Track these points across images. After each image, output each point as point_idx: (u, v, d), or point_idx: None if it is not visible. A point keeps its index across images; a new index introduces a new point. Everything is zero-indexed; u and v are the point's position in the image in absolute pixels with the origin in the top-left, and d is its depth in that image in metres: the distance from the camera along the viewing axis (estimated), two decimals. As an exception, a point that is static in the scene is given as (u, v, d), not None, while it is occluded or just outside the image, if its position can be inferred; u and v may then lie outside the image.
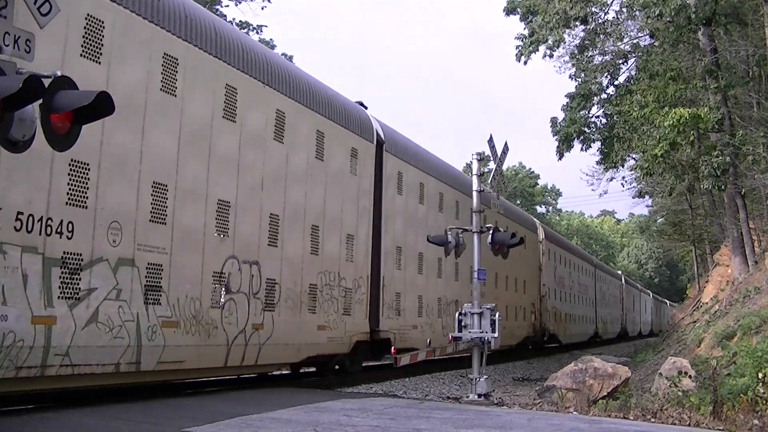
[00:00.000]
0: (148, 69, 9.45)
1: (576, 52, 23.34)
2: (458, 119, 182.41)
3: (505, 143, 14.60)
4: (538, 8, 22.09)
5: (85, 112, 5.83)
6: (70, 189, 8.22)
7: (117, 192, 8.88)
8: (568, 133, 22.51)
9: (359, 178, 15.42)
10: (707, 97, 19.83)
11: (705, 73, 19.14)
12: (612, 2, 22.69)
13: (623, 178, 31.67)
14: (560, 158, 23.01)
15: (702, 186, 20.86)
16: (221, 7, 33.18)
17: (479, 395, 12.20)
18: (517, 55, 22.91)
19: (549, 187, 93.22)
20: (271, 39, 48.15)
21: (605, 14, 22.75)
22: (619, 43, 23.15)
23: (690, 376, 12.19)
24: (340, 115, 14.72)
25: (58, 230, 8.05)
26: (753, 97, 20.08)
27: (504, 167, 15.49)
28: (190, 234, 10.14)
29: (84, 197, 8.40)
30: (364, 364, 16.81)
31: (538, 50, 22.49)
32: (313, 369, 15.64)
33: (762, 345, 11.99)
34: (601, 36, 22.89)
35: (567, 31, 22.37)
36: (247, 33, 31.72)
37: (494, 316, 12.60)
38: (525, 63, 22.97)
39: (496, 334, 12.55)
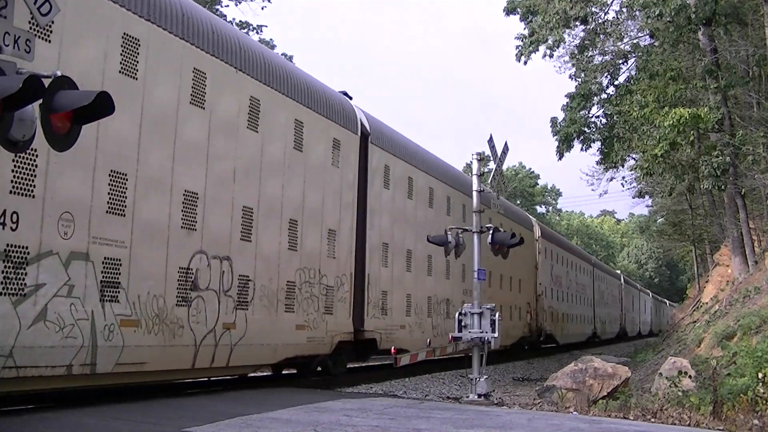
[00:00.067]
0: (105, 50, 8.79)
1: (576, 52, 23.35)
2: (458, 119, 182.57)
3: (505, 143, 14.61)
4: (538, 8, 22.10)
5: (84, 112, 5.83)
6: (14, 176, 7.66)
7: (69, 181, 8.24)
8: (568, 133, 22.52)
9: (342, 170, 14.72)
10: (707, 97, 19.84)
11: (705, 73, 19.15)
12: (612, 2, 22.74)
13: (623, 178, 31.66)
14: (560, 158, 23.05)
15: (702, 186, 20.87)
16: (221, 7, 33.19)
17: (479, 395, 12.20)
18: (517, 55, 22.94)
19: (549, 187, 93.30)
20: (271, 39, 48.18)
21: (605, 14, 22.80)
22: (619, 43, 23.17)
23: (690, 376, 12.19)
24: (320, 104, 14.06)
25: (0, 221, 7.46)
26: (753, 97, 20.09)
27: (504, 167, 15.48)
28: (152, 227, 9.53)
29: (31, 185, 7.81)
30: (349, 366, 16.30)
31: (538, 50, 22.53)
32: (294, 371, 14.97)
33: (762, 345, 11.99)
34: (601, 36, 22.91)
35: (567, 31, 22.40)
36: (247, 33, 31.72)
37: (494, 316, 12.60)
38: (525, 63, 23.02)
39: (496, 334, 12.55)
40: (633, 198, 42.55)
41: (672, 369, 12.57)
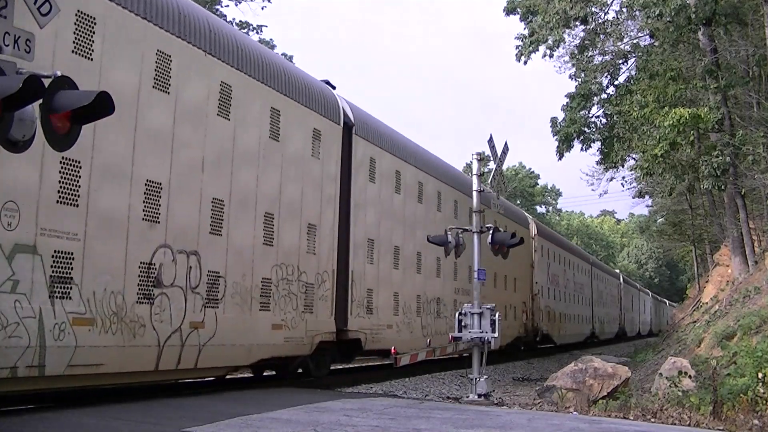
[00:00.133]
0: (56, 28, 7.97)
1: (576, 52, 23.36)
2: (458, 119, 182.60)
3: (505, 143, 14.61)
4: (538, 8, 22.11)
5: (84, 112, 5.84)
6: (-52, 163, 7.04)
7: (13, 168, 7.64)
8: (568, 133, 22.53)
9: (323, 162, 14.00)
10: (707, 97, 19.85)
11: (705, 73, 19.16)
12: (612, 2, 22.75)
13: (623, 178, 31.69)
14: (560, 158, 23.06)
15: (702, 186, 20.88)
16: (221, 7, 33.20)
17: (479, 395, 12.20)
18: (517, 55, 22.95)
19: (549, 187, 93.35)
20: (271, 39, 48.18)
21: (605, 14, 22.81)
22: (619, 43, 23.18)
23: (690, 376, 12.19)
24: (299, 91, 13.35)
25: None
26: (753, 97, 20.10)
27: (504, 167, 15.47)
28: (110, 218, 8.89)
29: (-32, 173, 7.19)
30: (332, 367, 15.73)
31: (538, 50, 22.54)
32: (273, 372, 14.39)
33: (762, 345, 11.99)
34: (601, 36, 22.92)
35: (567, 31, 22.42)
36: (247, 33, 31.73)
37: (494, 316, 12.60)
38: (525, 63, 23.04)
39: (496, 334, 12.55)
40: (633, 198, 42.63)
41: (672, 369, 12.57)
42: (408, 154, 18.56)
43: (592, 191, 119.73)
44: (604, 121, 23.72)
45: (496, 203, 15.37)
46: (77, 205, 8.44)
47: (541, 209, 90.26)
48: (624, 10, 22.71)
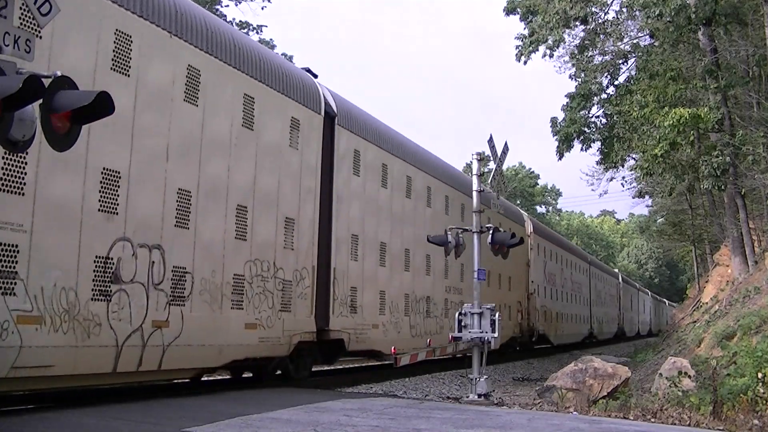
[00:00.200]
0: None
1: (576, 52, 23.37)
2: (458, 119, 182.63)
3: (505, 143, 14.61)
4: (538, 8, 22.12)
5: (84, 112, 5.84)
6: None
7: None
8: (568, 133, 22.54)
9: (302, 153, 13.32)
10: (707, 97, 19.86)
11: (705, 73, 19.16)
12: (612, 2, 22.75)
13: (623, 178, 31.72)
14: (560, 158, 23.06)
15: (702, 186, 20.88)
16: (221, 7, 33.20)
17: (479, 395, 12.20)
18: (517, 55, 22.96)
19: (549, 187, 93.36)
20: (271, 39, 48.18)
21: (605, 14, 22.82)
22: (619, 43, 23.19)
23: (690, 376, 12.19)
24: (275, 78, 12.67)
25: None
26: (753, 97, 20.10)
27: (504, 167, 15.47)
28: (61, 208, 8.24)
29: None
30: (314, 369, 15.15)
31: (538, 50, 22.55)
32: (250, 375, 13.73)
33: (762, 345, 11.99)
34: (601, 36, 22.92)
35: (567, 31, 22.43)
36: (246, 33, 31.73)
37: (494, 316, 12.61)
38: (525, 63, 23.05)
39: (496, 334, 12.56)
40: (633, 198, 42.63)
41: (672, 369, 12.58)
42: (395, 147, 17.86)
43: (592, 191, 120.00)
44: (604, 121, 23.74)
45: (496, 203, 15.37)
46: (23, 194, 7.84)
47: (541, 209, 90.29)
48: (624, 10, 22.74)
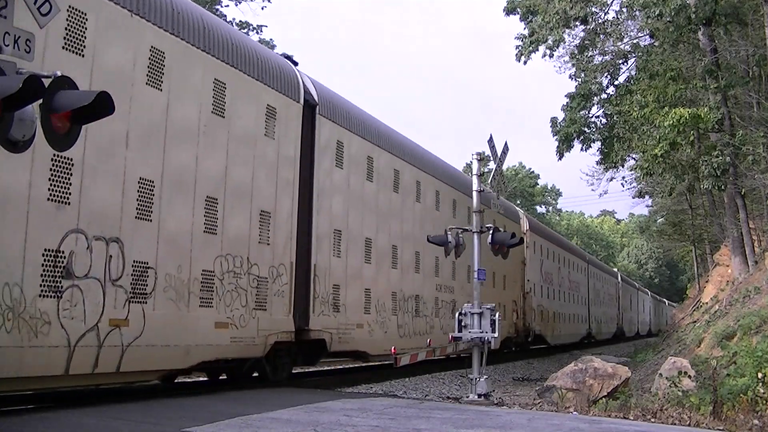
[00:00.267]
0: None
1: (576, 52, 23.38)
2: (458, 119, 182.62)
3: (505, 143, 14.61)
4: (538, 8, 22.12)
5: (84, 112, 5.84)
6: None
7: None
8: (568, 133, 22.54)
9: (279, 143, 12.61)
10: (707, 97, 19.86)
11: (705, 73, 19.17)
12: (612, 2, 22.76)
13: (623, 178, 31.62)
14: (560, 158, 23.07)
15: (702, 186, 20.89)
16: (221, 7, 33.20)
17: (479, 395, 12.21)
18: (517, 55, 22.96)
19: (549, 187, 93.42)
20: (271, 39, 48.16)
21: (605, 14, 22.82)
22: (619, 43, 23.19)
23: (690, 376, 12.20)
24: (249, 63, 12.00)
25: None
26: (753, 97, 20.11)
27: (504, 167, 15.46)
28: (3, 198, 7.67)
29: None
30: (295, 371, 14.61)
31: (538, 50, 22.55)
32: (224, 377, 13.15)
33: (762, 345, 12.00)
34: (601, 36, 22.93)
35: (567, 31, 22.44)
36: (247, 33, 31.73)
37: (494, 315, 12.62)
38: (525, 63, 23.05)
39: (496, 334, 12.57)
40: (633, 198, 42.62)
41: (672, 369, 12.58)
42: (382, 139, 17.12)
43: (592, 191, 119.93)
44: (604, 121, 23.75)
45: (496, 203, 15.37)
46: None
47: (541, 209, 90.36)
48: (624, 10, 22.75)
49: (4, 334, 7.50)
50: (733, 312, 17.19)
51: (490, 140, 14.12)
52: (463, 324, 12.73)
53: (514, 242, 14.09)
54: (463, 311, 12.86)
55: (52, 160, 8.19)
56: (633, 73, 23.00)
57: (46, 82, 5.61)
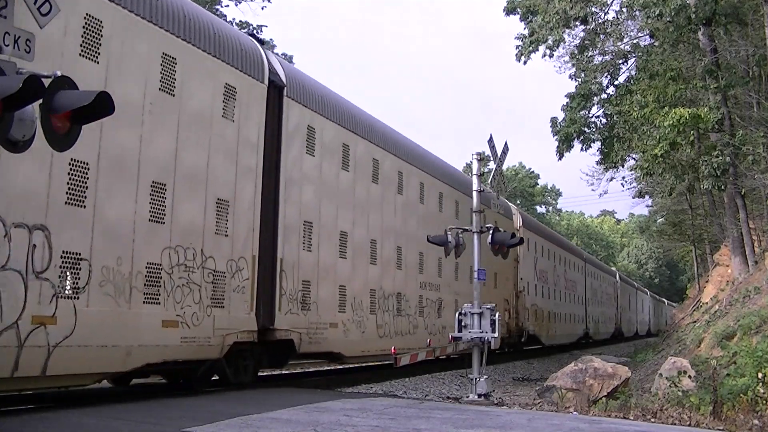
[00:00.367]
0: None
1: (576, 52, 23.39)
2: (458, 119, 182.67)
3: (505, 143, 14.62)
4: (538, 8, 22.14)
5: (84, 112, 5.85)
6: None
7: None
8: (568, 133, 22.55)
9: (239, 126, 11.67)
10: (707, 97, 19.87)
11: (705, 73, 19.18)
12: (612, 2, 22.77)
13: (623, 178, 31.59)
14: (560, 158, 23.08)
15: (702, 186, 20.89)
16: (221, 7, 33.20)
17: (479, 395, 12.21)
18: (517, 55, 22.97)
19: (549, 187, 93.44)
20: (271, 39, 48.15)
21: (605, 14, 22.83)
22: (619, 43, 23.20)
23: (690, 376, 12.21)
24: (204, 37, 10.97)
25: None
26: (753, 97, 20.11)
27: (504, 167, 15.46)
28: None
29: None
30: (262, 373, 13.81)
31: (538, 50, 22.57)
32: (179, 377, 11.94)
33: (762, 345, 12.00)
34: (601, 36, 22.94)
35: (567, 31, 22.46)
36: (246, 33, 31.70)
37: (494, 315, 12.62)
38: (525, 63, 23.07)
39: (496, 334, 12.57)
40: (633, 198, 42.61)
41: (672, 369, 12.59)
42: (360, 126, 16.00)
43: (592, 191, 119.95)
44: (604, 121, 23.76)
45: (496, 203, 15.38)
46: None
47: (541, 209, 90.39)
48: (624, 10, 22.75)
49: None
50: (733, 312, 17.19)
51: (490, 140, 14.13)
52: (463, 324, 12.74)
53: (514, 242, 14.10)
54: (463, 311, 12.86)
55: None
56: (633, 73, 23.02)
57: (46, 82, 5.62)
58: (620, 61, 23.69)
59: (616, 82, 23.70)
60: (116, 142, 9.21)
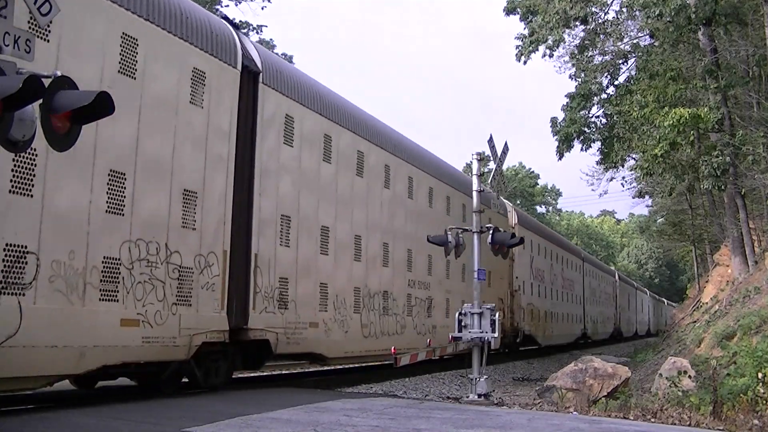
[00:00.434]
0: None
1: (576, 52, 23.40)
2: (458, 119, 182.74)
3: (505, 143, 14.63)
4: (538, 8, 22.14)
5: (84, 112, 5.85)
6: None
7: None
8: (568, 133, 22.55)
9: (209, 113, 10.99)
10: (707, 97, 19.88)
11: (705, 73, 19.19)
12: (612, 2, 22.77)
13: (623, 178, 31.64)
14: (560, 158, 23.08)
15: (702, 186, 20.90)
16: (221, 6, 33.21)
17: (479, 395, 12.21)
18: (517, 55, 22.97)
19: (549, 187, 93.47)
20: (271, 39, 48.18)
21: (605, 14, 22.84)
22: (619, 43, 23.21)
23: (690, 376, 12.21)
24: (170, 18, 10.33)
25: None
26: (753, 97, 20.12)
27: (504, 167, 15.46)
28: None
29: None
30: (237, 375, 13.24)
31: (538, 50, 22.58)
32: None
33: (762, 345, 12.00)
34: (601, 36, 22.95)
35: (567, 31, 22.47)
36: (246, 33, 31.74)
37: (494, 315, 12.62)
38: (525, 63, 23.08)
39: (496, 334, 12.58)
40: (633, 198, 42.63)
41: (672, 369, 12.59)
42: (343, 117, 15.29)
43: (592, 191, 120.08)
44: (604, 121, 23.77)
45: (496, 203, 15.37)
46: None
47: (541, 209, 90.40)
48: (624, 10, 22.76)
49: None
50: (733, 312, 17.19)
51: (490, 140, 14.14)
52: (463, 324, 12.74)
53: (515, 242, 14.11)
54: (463, 311, 12.87)
55: None
56: (633, 73, 23.03)
57: (46, 82, 5.62)
58: (620, 61, 23.71)
59: (616, 82, 23.74)
60: None
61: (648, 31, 22.27)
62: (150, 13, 9.92)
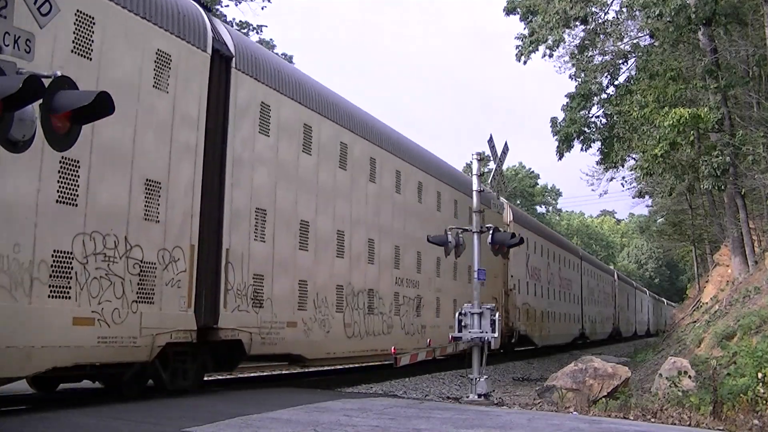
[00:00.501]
0: None
1: (576, 52, 23.40)
2: (458, 119, 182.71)
3: (505, 143, 14.64)
4: (538, 8, 22.14)
5: (84, 112, 5.85)
6: None
7: None
8: (568, 133, 22.55)
9: (175, 98, 10.32)
10: (707, 97, 19.88)
11: (705, 73, 19.19)
12: (612, 2, 22.77)
13: (623, 178, 31.58)
14: (560, 158, 23.07)
15: (702, 186, 20.91)
16: (221, 7, 33.19)
17: (479, 395, 12.22)
18: (517, 55, 22.97)
19: (549, 187, 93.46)
20: (271, 39, 48.16)
21: (605, 14, 22.84)
22: (619, 43, 23.21)
23: (690, 376, 12.21)
24: None
25: None
26: (753, 97, 20.12)
27: (504, 167, 15.46)
28: None
29: None
30: (209, 378, 12.75)
31: (537, 50, 22.57)
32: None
33: (762, 345, 12.00)
34: (601, 36, 22.95)
35: (567, 31, 22.46)
36: (246, 33, 31.74)
37: (494, 315, 12.63)
38: (525, 63, 23.06)
39: (496, 334, 12.59)
40: (633, 198, 42.63)
41: (672, 369, 12.59)
42: (324, 106, 14.57)
43: (592, 191, 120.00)
44: (604, 121, 23.76)
45: (496, 203, 15.37)
46: None
47: (541, 209, 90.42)
48: (624, 10, 22.76)
49: None
50: (733, 312, 17.19)
51: (490, 140, 14.15)
52: (463, 324, 12.75)
53: (515, 242, 14.11)
54: (463, 311, 12.88)
55: None
56: (633, 73, 23.03)
57: (46, 82, 5.62)
58: (620, 61, 23.71)
59: (616, 82, 23.73)
60: None
61: (648, 31, 22.27)
62: None
